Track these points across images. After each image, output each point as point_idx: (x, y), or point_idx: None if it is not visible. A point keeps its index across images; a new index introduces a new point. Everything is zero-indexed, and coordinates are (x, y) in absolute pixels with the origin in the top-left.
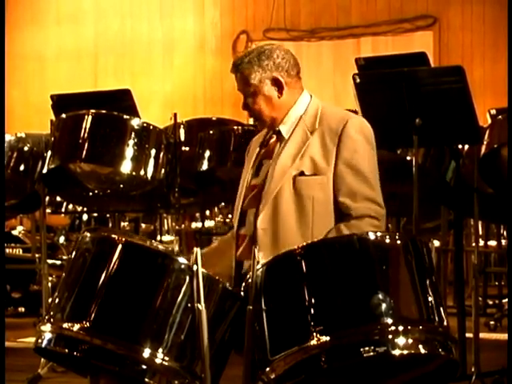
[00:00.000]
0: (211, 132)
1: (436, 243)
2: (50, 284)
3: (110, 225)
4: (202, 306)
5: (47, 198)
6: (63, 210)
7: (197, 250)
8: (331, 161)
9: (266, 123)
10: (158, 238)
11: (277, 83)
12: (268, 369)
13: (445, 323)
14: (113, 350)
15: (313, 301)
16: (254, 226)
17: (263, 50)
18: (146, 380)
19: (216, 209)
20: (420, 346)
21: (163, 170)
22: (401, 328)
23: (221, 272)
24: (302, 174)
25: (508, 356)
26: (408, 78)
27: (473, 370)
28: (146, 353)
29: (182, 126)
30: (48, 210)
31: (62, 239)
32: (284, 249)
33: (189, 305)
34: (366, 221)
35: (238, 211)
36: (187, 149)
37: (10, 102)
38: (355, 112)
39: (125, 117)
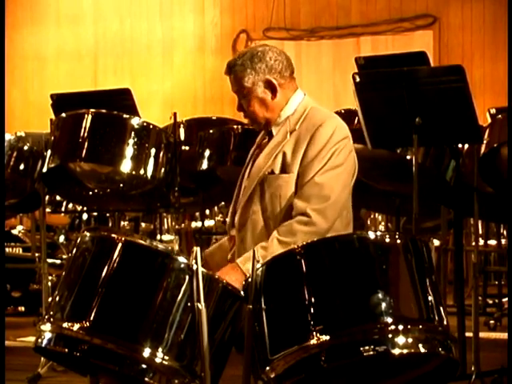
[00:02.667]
0: (211, 131)
1: (436, 242)
2: (49, 283)
3: (110, 224)
4: (201, 306)
5: (47, 198)
6: (63, 209)
7: (196, 250)
8: (298, 158)
9: (260, 124)
10: (158, 237)
11: (270, 85)
12: (268, 368)
13: (444, 322)
14: (113, 349)
15: (312, 300)
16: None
17: (256, 51)
18: (146, 379)
19: (216, 208)
20: (420, 346)
21: (163, 170)
22: (401, 327)
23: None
24: (272, 172)
25: (508, 355)
26: (408, 78)
27: (472, 369)
28: (146, 352)
29: (181, 126)
30: (48, 210)
31: (61, 238)
32: (250, 248)
33: (189, 304)
34: (295, 219)
35: (231, 212)
36: (187, 148)
37: (10, 102)
38: (355, 112)
39: (125, 116)
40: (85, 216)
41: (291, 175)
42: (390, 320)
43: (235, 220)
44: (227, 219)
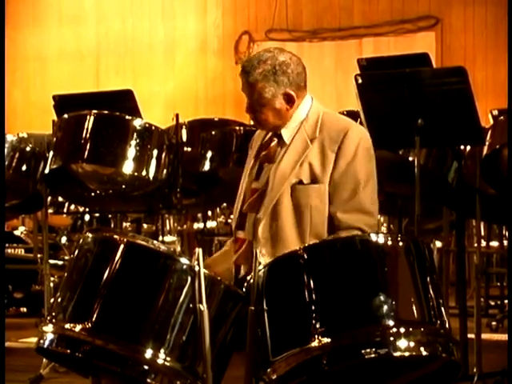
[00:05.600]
0: (213, 133)
1: (438, 244)
2: (51, 284)
3: (112, 225)
4: (203, 307)
5: (49, 199)
6: (65, 210)
7: (198, 251)
8: (328, 169)
9: (268, 130)
10: (160, 238)
11: (289, 98)
12: (269, 369)
13: (446, 325)
14: (115, 350)
15: (314, 302)
16: (254, 234)
17: (278, 62)
18: (148, 380)
19: (218, 209)
20: (421, 348)
21: (165, 171)
22: (402, 330)
23: (221, 273)
24: (300, 182)
25: (508, 357)
26: (410, 79)
27: (474, 370)
28: (148, 353)
29: (183, 127)
30: (50, 211)
31: (63, 239)
32: None
33: (191, 305)
34: (350, 231)
35: (237, 213)
36: (189, 149)
37: (12, 102)
38: (357, 113)
39: (127, 117)
40: (87, 217)
41: (321, 186)
42: (391, 322)
43: (259, 231)
44: (232, 220)
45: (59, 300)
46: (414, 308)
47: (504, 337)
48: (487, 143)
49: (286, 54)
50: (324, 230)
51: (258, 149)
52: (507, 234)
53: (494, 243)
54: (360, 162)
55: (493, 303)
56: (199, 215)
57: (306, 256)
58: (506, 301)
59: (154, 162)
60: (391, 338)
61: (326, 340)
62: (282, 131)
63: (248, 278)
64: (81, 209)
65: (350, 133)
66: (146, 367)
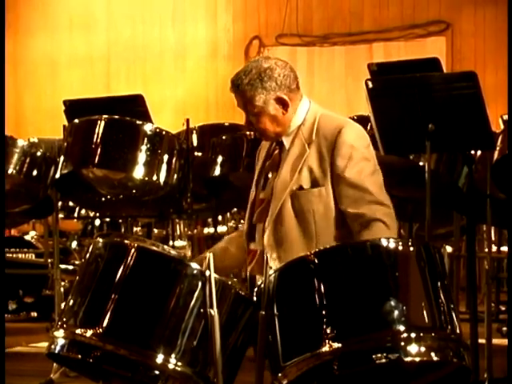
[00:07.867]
0: (224, 137)
1: (448, 249)
2: (62, 289)
3: (123, 230)
4: (214, 312)
5: (60, 203)
6: (76, 215)
7: (209, 256)
8: (327, 171)
9: (271, 139)
10: (171, 243)
11: (281, 101)
12: (280, 374)
13: (457, 330)
14: (125, 355)
15: (325, 307)
16: (262, 243)
17: (263, 69)
18: None
19: (228, 214)
20: (432, 354)
21: (176, 176)
22: (413, 335)
23: (229, 264)
24: (300, 188)
25: (508, 361)
26: (420, 84)
27: (485, 376)
28: (159, 358)
29: (194, 132)
30: (60, 215)
31: (74, 244)
32: None
33: (201, 310)
34: (375, 228)
35: (247, 224)
36: (200, 154)
37: (23, 108)
38: (367, 118)
39: (137, 122)
40: (97, 222)
41: (321, 189)
42: (402, 328)
43: (265, 239)
44: (242, 228)
45: (70, 305)
46: (425, 313)
47: None
48: (498, 148)
49: (271, 60)
50: (332, 233)
51: (263, 159)
52: None
53: (505, 248)
54: (358, 158)
55: (503, 308)
56: (209, 220)
57: (316, 261)
58: None
59: (164, 167)
60: (402, 343)
61: (336, 345)
62: (283, 138)
63: (259, 282)
64: (91, 213)
65: (343, 130)
66: (156, 372)
